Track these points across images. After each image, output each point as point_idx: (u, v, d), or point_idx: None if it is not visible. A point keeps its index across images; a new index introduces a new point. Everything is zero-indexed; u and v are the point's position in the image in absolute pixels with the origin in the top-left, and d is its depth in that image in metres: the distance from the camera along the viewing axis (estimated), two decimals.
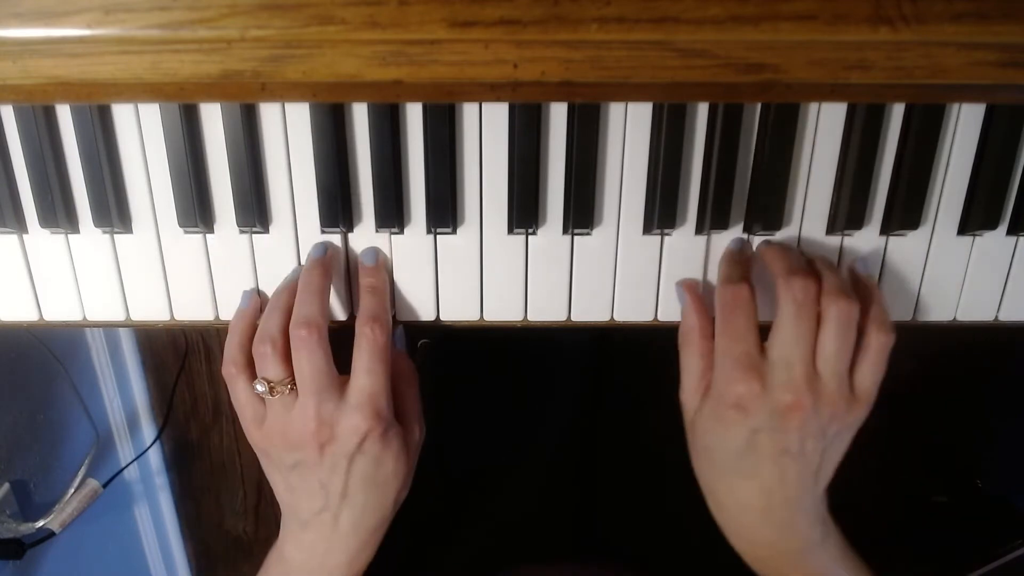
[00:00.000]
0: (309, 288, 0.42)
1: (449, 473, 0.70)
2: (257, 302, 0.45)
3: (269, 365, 0.41)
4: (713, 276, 0.45)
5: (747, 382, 0.39)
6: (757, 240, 0.45)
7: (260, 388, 0.42)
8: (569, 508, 0.70)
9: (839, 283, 0.39)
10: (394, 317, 0.46)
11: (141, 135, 0.42)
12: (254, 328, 0.43)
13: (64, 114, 0.41)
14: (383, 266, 0.45)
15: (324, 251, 0.44)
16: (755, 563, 0.43)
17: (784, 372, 0.39)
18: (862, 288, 0.42)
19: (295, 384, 0.41)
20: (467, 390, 0.76)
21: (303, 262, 0.45)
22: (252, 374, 0.43)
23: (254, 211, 0.43)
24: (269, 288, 0.45)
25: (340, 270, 0.45)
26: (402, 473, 0.44)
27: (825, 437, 0.40)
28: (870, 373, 0.40)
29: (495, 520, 0.68)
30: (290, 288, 0.43)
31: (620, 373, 0.77)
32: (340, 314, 0.46)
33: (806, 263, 0.40)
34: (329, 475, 0.42)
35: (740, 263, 0.43)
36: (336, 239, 0.44)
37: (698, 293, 0.44)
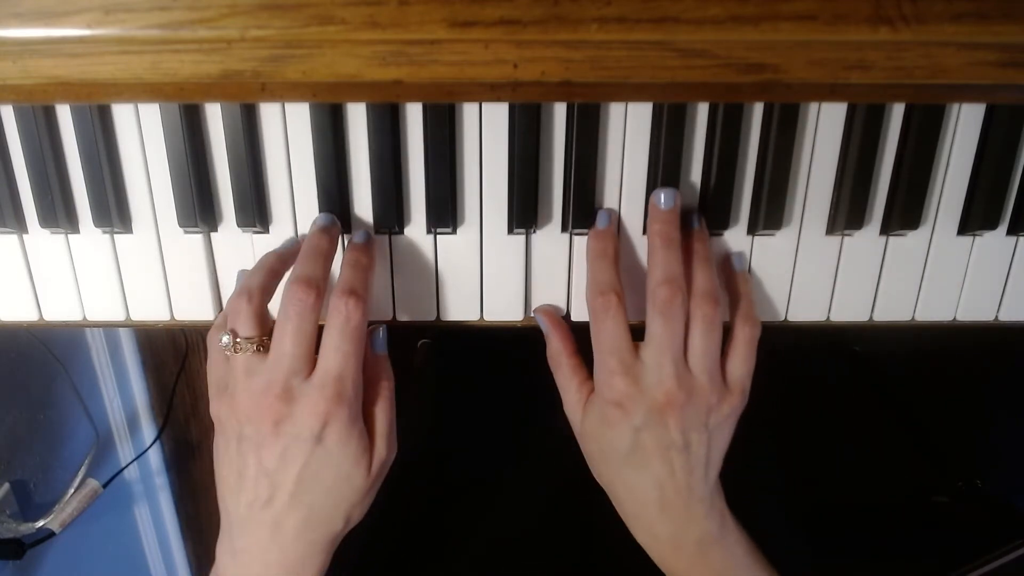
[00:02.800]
0: (317, 250, 0.40)
1: (447, 482, 0.70)
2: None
3: (241, 319, 0.39)
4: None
5: (623, 384, 0.41)
6: (757, 240, 0.45)
7: (225, 340, 0.39)
8: (570, 522, 0.69)
9: (707, 286, 0.41)
10: (393, 317, 0.46)
11: (141, 135, 0.42)
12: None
13: (64, 114, 0.41)
14: (372, 248, 0.43)
15: (333, 221, 0.42)
16: (662, 562, 0.44)
17: (656, 373, 0.41)
18: (733, 283, 0.45)
19: (262, 346, 0.39)
20: (467, 394, 0.76)
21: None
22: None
23: (254, 211, 0.43)
24: None
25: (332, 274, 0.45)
26: (358, 484, 0.40)
27: (707, 428, 0.42)
28: (741, 364, 0.43)
29: (494, 534, 0.67)
30: (279, 254, 0.42)
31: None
32: None
33: (678, 265, 0.41)
34: (279, 462, 0.38)
35: (607, 259, 0.43)
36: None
37: (555, 318, 0.46)
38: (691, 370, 0.41)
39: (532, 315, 0.46)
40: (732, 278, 0.45)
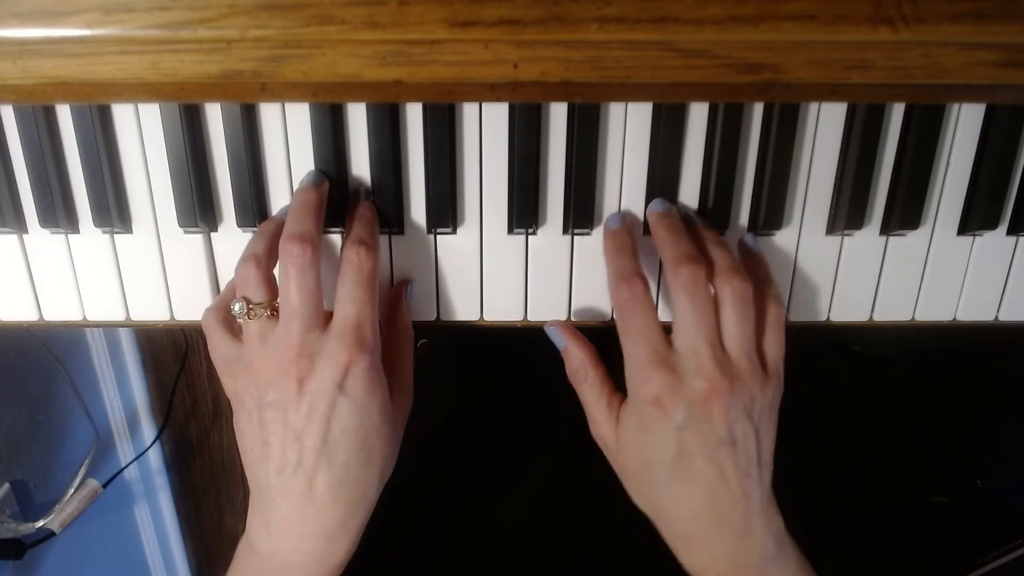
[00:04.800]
0: (305, 206, 0.39)
1: (446, 482, 0.70)
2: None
3: (251, 284, 0.38)
4: None
5: (660, 376, 0.38)
6: (758, 240, 0.45)
7: (237, 308, 0.38)
8: (565, 524, 0.69)
9: (729, 262, 0.39)
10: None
11: (141, 135, 0.42)
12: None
13: (64, 114, 0.41)
14: (373, 204, 0.43)
15: (321, 178, 0.41)
16: None
17: (693, 360, 0.38)
18: (751, 263, 0.42)
19: (275, 310, 0.38)
20: (466, 394, 0.76)
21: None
22: (228, 318, 0.40)
23: (254, 211, 0.43)
24: None
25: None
26: (387, 434, 0.39)
27: (752, 419, 0.38)
28: (774, 345, 0.40)
29: (490, 535, 0.67)
30: (279, 220, 0.41)
31: (618, 384, 0.77)
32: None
33: (692, 246, 0.39)
34: (306, 422, 0.37)
35: (626, 251, 0.41)
36: (336, 239, 0.44)
37: (571, 329, 0.44)
38: (728, 354, 0.38)
39: (545, 330, 0.44)
40: (748, 259, 0.43)
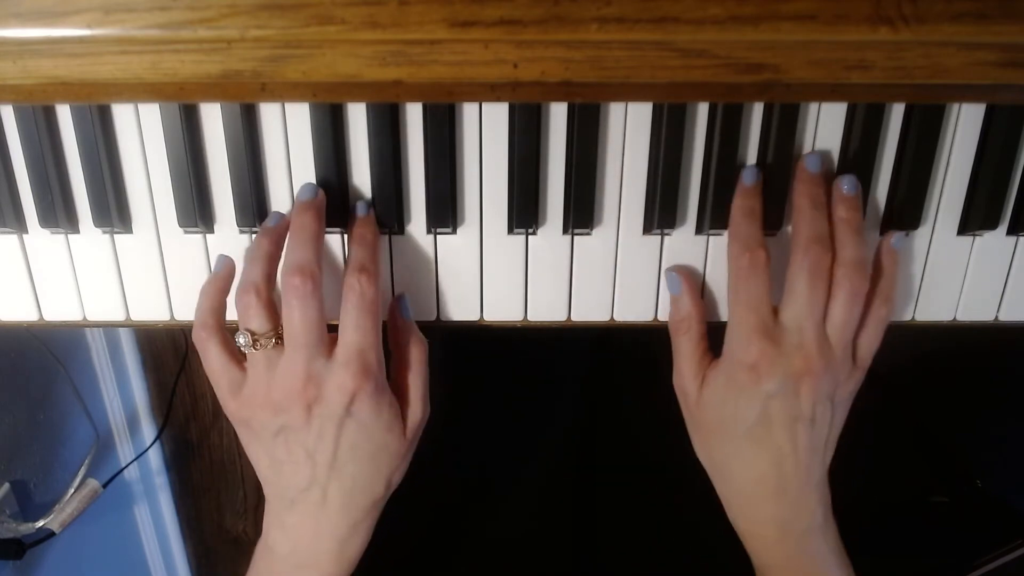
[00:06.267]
0: (303, 232, 0.39)
1: (446, 481, 0.70)
2: (232, 266, 0.43)
3: (253, 315, 0.39)
4: (713, 277, 0.45)
5: (762, 345, 0.39)
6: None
7: (242, 340, 0.39)
8: (570, 520, 0.69)
9: (856, 255, 0.40)
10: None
11: (141, 135, 0.42)
12: (227, 292, 0.42)
13: (64, 114, 0.41)
14: (374, 219, 0.43)
15: (315, 193, 0.41)
16: (762, 551, 0.43)
17: (797, 336, 0.39)
18: (880, 259, 0.43)
19: (280, 338, 0.39)
20: (466, 394, 0.76)
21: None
22: (225, 337, 0.41)
23: (254, 211, 0.43)
24: None
25: (338, 269, 0.45)
26: (394, 448, 0.41)
27: (832, 404, 0.41)
28: (870, 342, 0.42)
29: (492, 536, 0.67)
30: (270, 235, 0.41)
31: (619, 383, 0.77)
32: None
33: (827, 227, 0.40)
34: (316, 441, 0.39)
35: (754, 217, 0.41)
36: (336, 239, 0.44)
37: (693, 281, 0.44)
38: (828, 338, 0.40)
39: (665, 275, 0.44)
40: (882, 254, 0.43)
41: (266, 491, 0.43)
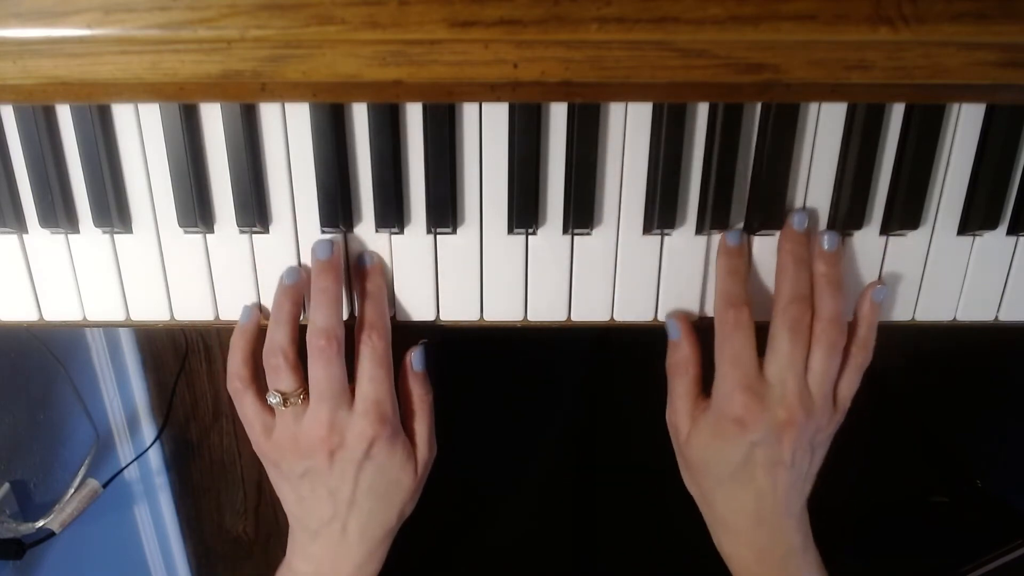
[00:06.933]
0: (325, 296, 0.43)
1: (445, 482, 0.70)
2: (257, 316, 0.46)
3: (282, 377, 0.43)
4: (712, 276, 0.45)
5: (747, 401, 0.42)
6: (757, 240, 0.45)
7: (274, 400, 0.43)
8: (568, 526, 0.70)
9: (833, 312, 0.42)
10: (393, 317, 0.46)
11: (141, 135, 0.42)
12: (255, 342, 0.45)
13: (64, 114, 0.41)
14: (379, 269, 0.45)
15: (331, 251, 0.44)
16: (740, 568, 0.46)
17: (780, 390, 0.42)
18: (861, 306, 0.45)
19: (307, 393, 0.43)
20: (466, 394, 0.76)
21: (303, 261, 0.45)
22: (259, 387, 0.45)
23: (254, 211, 0.43)
24: (269, 289, 0.45)
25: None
26: (407, 485, 0.45)
27: (812, 447, 0.44)
28: (849, 387, 0.44)
29: (491, 536, 0.68)
30: (291, 296, 0.44)
31: (619, 383, 0.77)
32: None
33: (807, 285, 0.43)
34: (339, 482, 0.43)
35: (738, 275, 0.44)
36: (336, 239, 0.44)
37: (690, 325, 0.46)
38: (810, 389, 0.42)
39: (664, 319, 0.46)
40: (863, 305, 0.45)
41: (291, 523, 0.47)
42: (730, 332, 0.43)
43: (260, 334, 0.45)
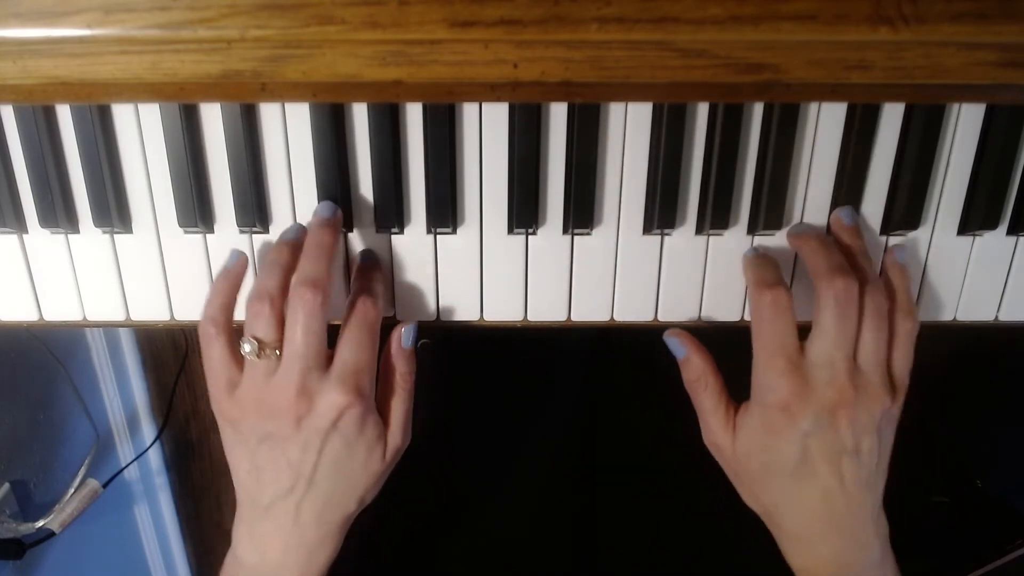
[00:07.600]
0: (320, 249, 0.40)
1: (445, 482, 0.70)
2: (245, 262, 0.43)
3: (263, 324, 0.39)
4: (714, 278, 0.45)
5: (791, 384, 0.39)
6: (757, 240, 0.45)
7: (247, 348, 0.39)
8: (568, 525, 0.69)
9: (872, 276, 0.40)
10: (393, 317, 0.46)
11: (141, 135, 0.42)
12: (238, 290, 0.42)
13: (64, 114, 0.41)
14: (379, 262, 0.44)
15: (335, 212, 0.42)
16: None
17: (827, 369, 0.39)
18: (889, 276, 0.43)
19: (282, 350, 0.39)
20: (466, 394, 0.76)
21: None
22: (231, 338, 0.41)
23: (254, 211, 0.43)
24: None
25: (339, 268, 0.45)
26: (373, 469, 0.42)
27: (878, 431, 0.40)
28: (903, 361, 0.41)
29: (491, 536, 0.67)
30: (290, 246, 0.41)
31: (619, 383, 0.77)
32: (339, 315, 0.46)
33: (840, 256, 0.40)
34: (300, 453, 0.39)
35: (770, 262, 0.42)
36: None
37: (692, 337, 0.44)
38: (861, 367, 0.39)
39: (665, 341, 0.44)
40: (890, 270, 0.43)
41: (239, 496, 0.43)
42: (770, 315, 0.39)
43: (244, 285, 0.43)
